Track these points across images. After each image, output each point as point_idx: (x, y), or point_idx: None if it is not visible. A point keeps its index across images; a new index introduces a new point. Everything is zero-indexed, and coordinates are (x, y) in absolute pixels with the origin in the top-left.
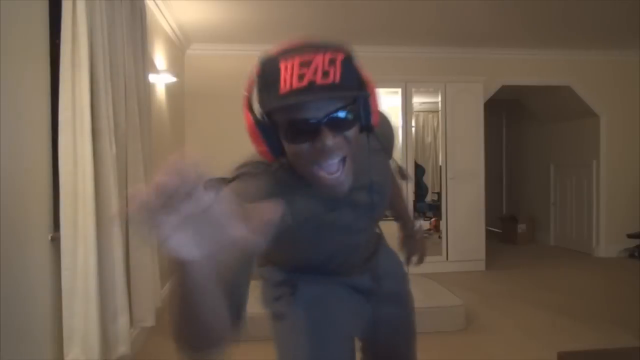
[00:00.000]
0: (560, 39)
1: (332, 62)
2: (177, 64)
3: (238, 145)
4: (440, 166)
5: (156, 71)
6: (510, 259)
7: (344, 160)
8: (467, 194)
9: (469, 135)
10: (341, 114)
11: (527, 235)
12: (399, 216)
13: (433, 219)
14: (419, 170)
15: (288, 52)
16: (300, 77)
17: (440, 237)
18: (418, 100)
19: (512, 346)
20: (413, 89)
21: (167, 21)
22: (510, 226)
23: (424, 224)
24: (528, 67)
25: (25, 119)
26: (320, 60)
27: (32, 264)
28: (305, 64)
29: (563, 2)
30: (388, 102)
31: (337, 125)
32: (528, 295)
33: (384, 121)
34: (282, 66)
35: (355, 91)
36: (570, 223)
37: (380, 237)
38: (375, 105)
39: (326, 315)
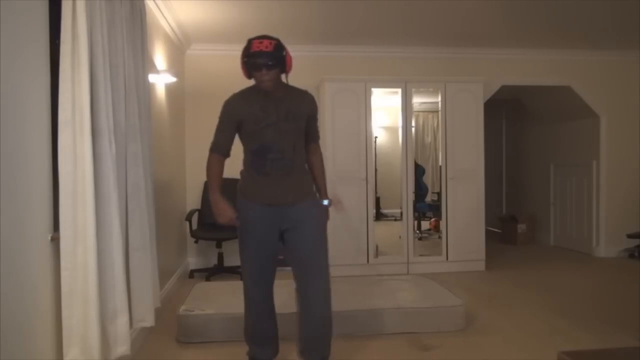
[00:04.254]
0: (560, 39)
1: (270, 43)
2: (177, 64)
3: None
4: (440, 166)
5: (156, 71)
6: (510, 259)
7: (271, 80)
8: (467, 194)
9: (469, 135)
10: (270, 64)
11: (527, 235)
12: (315, 181)
13: (433, 219)
14: (419, 170)
15: (257, 37)
16: (258, 46)
17: (440, 237)
18: (418, 100)
19: (512, 346)
20: (413, 89)
21: (167, 21)
22: (510, 226)
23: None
24: (528, 67)
25: (25, 119)
26: (267, 42)
27: (32, 264)
28: (261, 43)
29: (563, 2)
30: (388, 102)
31: (268, 67)
32: (528, 296)
33: (310, 97)
34: (254, 42)
35: (277, 56)
36: (570, 223)
37: (302, 173)
38: (289, 64)
39: (248, 241)
